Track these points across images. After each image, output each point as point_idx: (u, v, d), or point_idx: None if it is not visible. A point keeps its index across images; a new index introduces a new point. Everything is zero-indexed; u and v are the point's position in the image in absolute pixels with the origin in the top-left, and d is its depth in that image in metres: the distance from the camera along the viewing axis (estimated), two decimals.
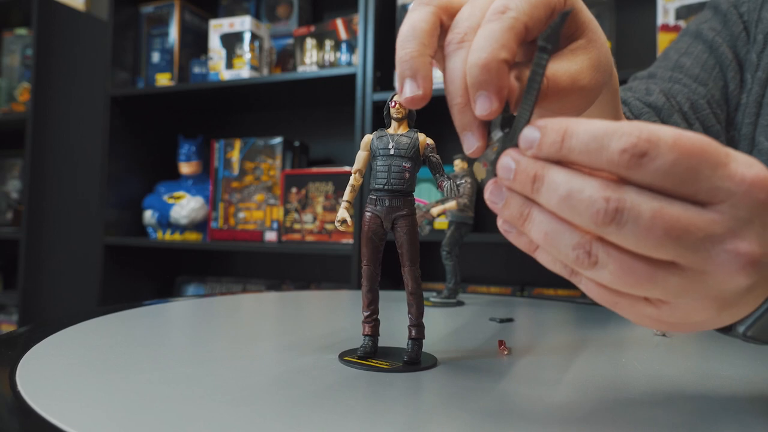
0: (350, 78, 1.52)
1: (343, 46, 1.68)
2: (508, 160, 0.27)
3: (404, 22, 0.31)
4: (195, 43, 1.93)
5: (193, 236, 1.79)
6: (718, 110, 0.63)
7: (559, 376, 0.38)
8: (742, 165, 0.24)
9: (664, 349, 0.48)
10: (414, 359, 0.40)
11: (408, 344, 0.41)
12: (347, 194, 0.44)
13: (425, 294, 0.77)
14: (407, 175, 0.41)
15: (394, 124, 0.43)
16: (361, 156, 0.44)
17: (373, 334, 0.42)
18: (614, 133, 0.23)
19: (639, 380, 0.38)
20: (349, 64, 1.66)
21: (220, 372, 0.37)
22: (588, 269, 0.25)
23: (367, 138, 0.43)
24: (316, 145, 1.85)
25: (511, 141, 0.27)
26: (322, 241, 1.56)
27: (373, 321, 0.42)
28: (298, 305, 0.72)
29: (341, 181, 1.57)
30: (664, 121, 0.61)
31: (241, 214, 1.70)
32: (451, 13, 0.31)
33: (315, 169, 1.63)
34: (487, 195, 0.28)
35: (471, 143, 0.29)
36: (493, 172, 0.28)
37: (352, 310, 0.67)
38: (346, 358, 0.41)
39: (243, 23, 1.73)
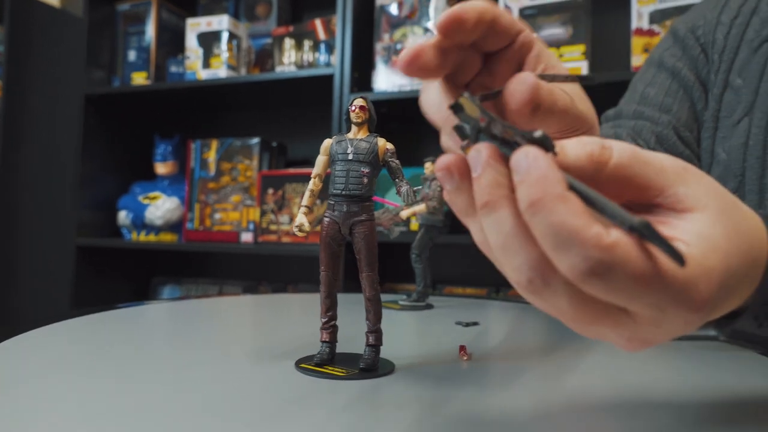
0: (328, 79, 1.51)
1: (322, 47, 1.67)
2: (478, 157, 0.24)
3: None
4: (172, 42, 1.91)
5: (168, 237, 1.77)
6: (687, 132, 0.64)
7: (518, 384, 0.38)
8: (693, 289, 0.23)
9: (625, 353, 0.48)
10: (370, 366, 0.40)
11: (365, 351, 0.41)
12: (306, 199, 0.43)
13: (395, 297, 0.77)
14: (365, 180, 0.41)
15: (354, 128, 0.43)
16: (320, 160, 0.43)
17: (331, 341, 0.42)
18: (578, 241, 0.21)
19: (600, 388, 0.38)
20: (328, 64, 1.65)
21: (179, 379, 0.36)
22: (537, 296, 0.24)
23: (327, 142, 0.43)
24: (293, 146, 1.84)
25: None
26: (298, 243, 1.55)
27: (330, 327, 0.42)
28: (269, 309, 0.71)
29: None
30: None
31: (218, 215, 1.68)
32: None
33: (292, 170, 1.62)
34: (439, 172, 0.25)
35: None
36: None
37: (317, 314, 0.67)
38: (302, 365, 0.40)
39: (221, 22, 1.71)
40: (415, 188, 0.41)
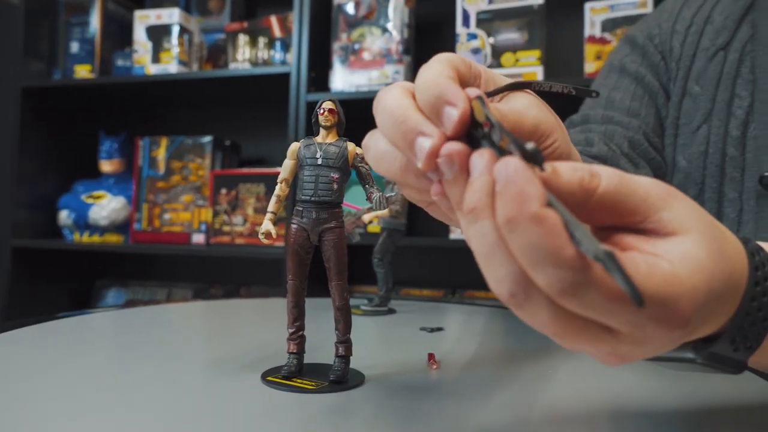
0: (284, 77, 1.48)
1: (278, 44, 1.64)
2: (479, 161, 0.23)
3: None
4: (119, 35, 1.83)
5: (114, 238, 1.70)
6: (656, 138, 0.65)
7: (488, 393, 0.38)
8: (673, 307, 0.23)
9: (590, 359, 0.49)
10: (341, 378, 0.38)
11: (335, 362, 0.40)
12: (272, 205, 0.42)
13: (356, 302, 0.76)
14: (335, 186, 0.40)
15: (322, 132, 0.41)
16: (287, 165, 0.42)
17: (299, 352, 0.40)
18: (555, 258, 0.21)
19: (568, 397, 0.38)
20: (284, 62, 1.62)
21: (132, 399, 0.34)
22: (519, 310, 0.23)
23: (294, 146, 0.41)
24: (247, 145, 1.80)
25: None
26: (252, 244, 1.51)
27: (298, 338, 0.41)
28: (225, 316, 0.68)
29: (273, 182, 1.52)
30: (616, 165, 0.61)
31: (167, 216, 1.62)
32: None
33: (246, 170, 1.58)
34: (443, 157, 0.24)
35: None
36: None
37: (280, 321, 0.65)
38: (269, 378, 0.39)
39: (171, 16, 1.65)
40: (387, 195, 0.40)
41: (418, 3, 1.55)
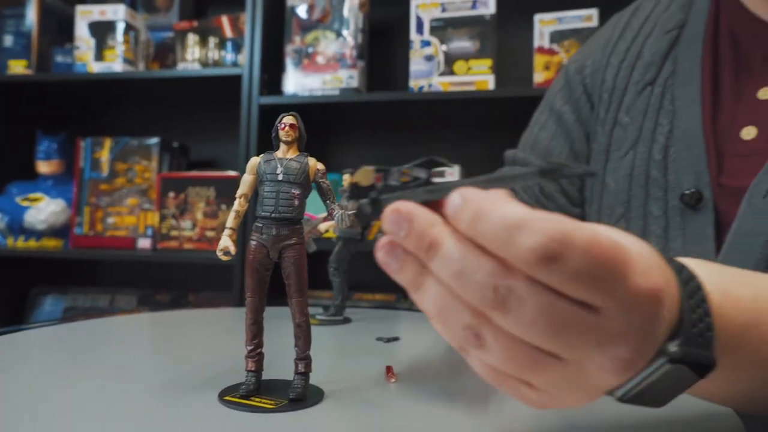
0: (236, 79, 1.46)
1: (229, 45, 1.61)
2: (400, 218, 0.25)
3: None
4: (58, 29, 1.74)
5: (52, 243, 1.62)
6: (564, 179, 0.70)
7: (448, 406, 0.39)
8: (639, 274, 0.24)
9: None
10: (300, 396, 0.38)
11: (294, 379, 0.39)
12: (231, 221, 0.41)
13: (311, 311, 0.75)
14: (296, 202, 0.39)
15: (282, 147, 0.41)
16: (247, 180, 0.41)
17: (257, 370, 0.40)
18: (527, 227, 0.22)
19: (524, 409, 0.39)
20: (235, 64, 1.59)
21: (80, 426, 0.33)
22: (475, 349, 0.25)
23: (254, 161, 0.41)
24: (196, 147, 1.75)
25: (435, 192, 0.25)
26: (202, 249, 1.48)
27: (257, 356, 0.40)
28: (174, 329, 0.66)
29: (224, 186, 1.50)
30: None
31: (111, 219, 1.56)
32: None
33: (195, 173, 1.54)
34: (381, 255, 0.26)
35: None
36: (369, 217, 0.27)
37: (232, 334, 0.64)
38: (227, 398, 0.38)
39: (116, 12, 1.59)
40: (349, 212, 0.40)
41: (371, 8, 1.55)
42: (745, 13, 0.61)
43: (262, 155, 0.41)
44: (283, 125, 0.41)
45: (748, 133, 0.56)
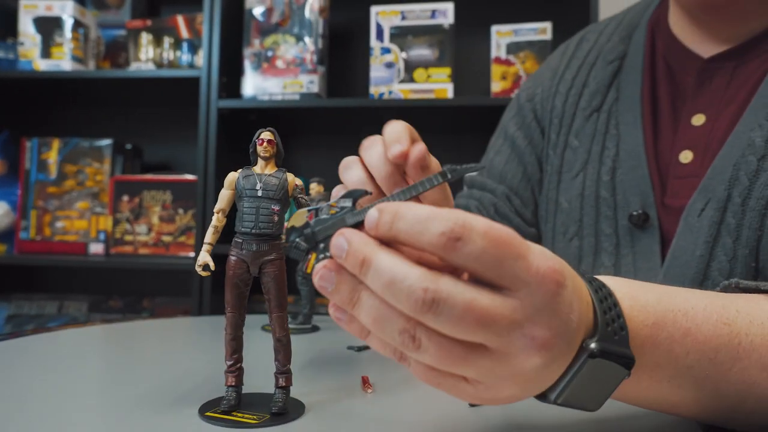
0: (193, 81, 1.43)
1: (185, 45, 1.57)
2: (341, 240, 0.28)
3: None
4: (0, 24, 1.66)
5: None
6: (517, 200, 0.75)
7: (427, 416, 0.40)
8: (538, 257, 0.28)
9: None
10: (282, 410, 0.39)
11: (275, 393, 0.40)
12: (209, 236, 0.41)
13: None
14: (276, 218, 0.40)
15: (261, 162, 0.41)
16: (225, 195, 0.41)
17: (237, 384, 0.40)
18: (435, 217, 0.27)
19: (494, 418, 0.41)
20: (191, 65, 1.56)
21: None
22: (413, 352, 0.28)
23: (232, 176, 0.41)
24: (150, 149, 1.71)
25: (356, 216, 0.30)
26: (158, 254, 1.44)
27: (237, 370, 0.40)
28: (136, 342, 0.65)
29: (181, 189, 1.47)
30: None
31: (60, 224, 1.50)
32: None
33: (151, 176, 1.50)
34: (317, 280, 0.29)
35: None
36: (303, 238, 0.30)
37: (200, 344, 0.63)
38: (208, 413, 0.38)
39: (64, 7, 1.53)
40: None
41: (331, 14, 1.56)
42: (676, 43, 0.65)
43: (240, 170, 0.41)
44: (261, 140, 0.41)
45: (686, 156, 0.60)
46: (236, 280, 0.40)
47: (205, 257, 0.40)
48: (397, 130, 0.41)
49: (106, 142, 1.52)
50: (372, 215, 0.28)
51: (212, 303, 1.34)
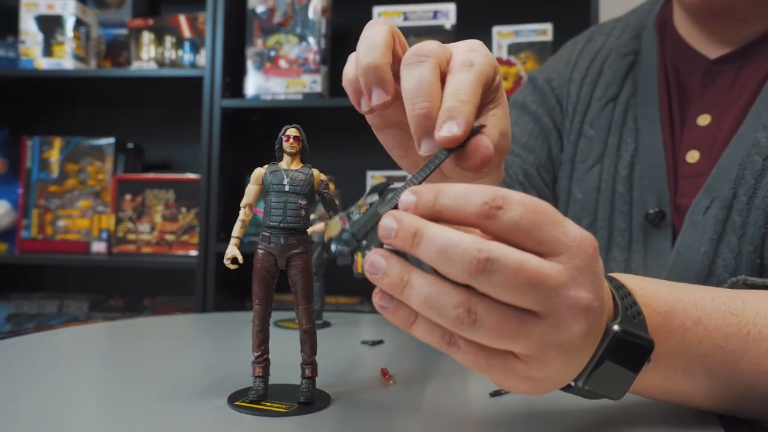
0: (195, 81, 1.44)
1: (187, 45, 1.58)
2: (390, 219, 0.29)
3: (363, 37, 0.35)
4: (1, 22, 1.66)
5: None
6: (545, 174, 0.73)
7: (445, 407, 0.41)
8: (573, 225, 0.29)
9: None
10: (310, 399, 0.40)
11: (302, 383, 0.41)
12: (237, 230, 0.42)
13: (289, 315, 0.76)
14: (303, 212, 0.41)
15: (286, 158, 0.42)
16: (251, 190, 0.42)
17: (264, 375, 0.41)
18: (477, 190, 0.28)
19: (514, 407, 0.42)
20: (193, 64, 1.57)
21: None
22: (468, 327, 0.28)
23: (259, 172, 0.42)
24: (150, 148, 1.71)
25: (388, 204, 0.30)
26: (161, 253, 1.44)
27: (264, 361, 0.41)
28: (144, 338, 0.66)
29: (184, 188, 1.47)
30: (509, 188, 0.69)
31: (62, 223, 1.50)
32: (400, 39, 0.37)
33: (154, 175, 1.50)
34: (367, 267, 0.29)
35: (430, 148, 0.33)
36: (343, 242, 0.31)
37: (215, 340, 0.64)
38: (237, 403, 0.39)
39: (65, 6, 1.53)
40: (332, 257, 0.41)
41: (333, 14, 1.56)
42: (682, 44, 0.66)
43: (266, 166, 0.42)
44: (287, 137, 0.42)
45: (692, 156, 0.61)
46: (264, 273, 0.41)
47: (233, 250, 0.41)
48: (373, 58, 0.34)
49: (108, 141, 1.53)
50: (406, 199, 0.29)
51: (216, 301, 1.34)
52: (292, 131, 0.42)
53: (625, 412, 0.40)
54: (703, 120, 0.62)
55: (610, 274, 0.35)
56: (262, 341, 0.41)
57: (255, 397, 0.39)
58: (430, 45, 0.34)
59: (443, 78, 0.34)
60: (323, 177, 0.43)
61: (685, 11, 0.65)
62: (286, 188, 0.41)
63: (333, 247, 0.30)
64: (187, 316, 0.83)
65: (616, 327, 0.31)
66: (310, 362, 0.41)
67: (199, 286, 1.36)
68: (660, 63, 0.67)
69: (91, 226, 1.49)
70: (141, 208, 1.45)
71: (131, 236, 1.45)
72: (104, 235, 1.48)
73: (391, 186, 0.31)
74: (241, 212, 0.42)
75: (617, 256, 0.65)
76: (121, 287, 1.67)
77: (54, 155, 1.52)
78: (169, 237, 1.45)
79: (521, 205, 0.28)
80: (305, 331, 0.41)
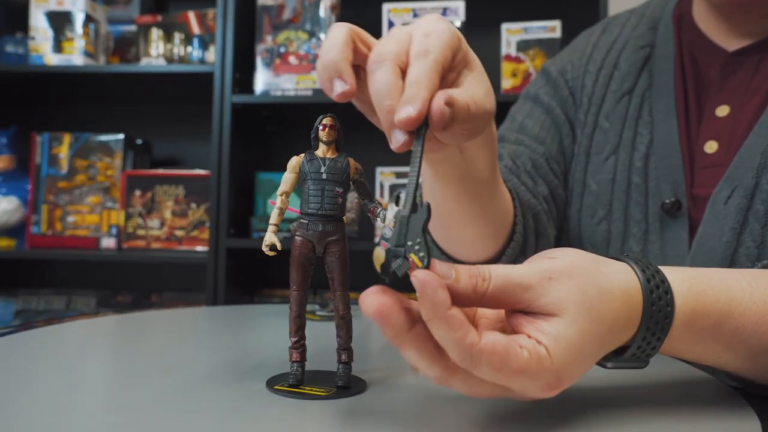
0: (205, 77, 1.44)
1: (196, 41, 1.58)
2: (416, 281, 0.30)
3: (325, 40, 0.37)
4: (7, 17, 1.66)
5: (4, 243, 1.54)
6: (555, 165, 0.73)
7: None
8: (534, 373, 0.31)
9: None
10: (347, 383, 0.40)
11: (338, 368, 0.41)
12: (275, 217, 0.42)
13: (308, 307, 0.77)
14: (340, 200, 0.41)
15: (322, 147, 0.43)
16: (288, 178, 0.42)
17: (302, 360, 0.41)
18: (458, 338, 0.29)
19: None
20: (202, 60, 1.57)
21: (142, 418, 0.33)
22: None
23: (296, 160, 0.42)
24: (158, 145, 1.72)
25: (406, 204, 0.32)
26: (171, 249, 1.45)
27: (301, 347, 0.42)
28: (163, 329, 0.66)
29: (193, 184, 1.48)
30: (517, 177, 0.70)
31: (71, 218, 1.50)
32: (361, 38, 0.38)
33: (163, 171, 1.51)
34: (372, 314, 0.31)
35: (398, 138, 0.34)
36: (393, 256, 0.32)
37: (233, 330, 0.65)
38: (277, 387, 0.40)
39: (75, 2, 1.54)
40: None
41: (343, 10, 1.57)
42: (701, 36, 0.67)
43: (303, 154, 0.42)
44: (323, 126, 0.42)
45: (711, 147, 0.62)
46: (302, 260, 0.41)
47: (272, 237, 0.41)
48: (332, 55, 0.36)
49: (117, 137, 1.53)
50: (445, 272, 0.31)
51: (226, 296, 1.35)
52: (327, 120, 0.43)
53: (646, 386, 0.40)
54: (722, 111, 0.62)
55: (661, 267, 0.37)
56: (299, 327, 0.42)
57: (294, 381, 0.40)
58: (388, 46, 0.36)
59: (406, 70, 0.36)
60: (358, 166, 0.43)
61: (708, 3, 0.65)
62: (324, 176, 0.41)
63: (389, 268, 0.31)
64: (201, 309, 0.84)
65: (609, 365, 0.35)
66: (346, 348, 0.42)
67: (209, 281, 1.36)
68: (677, 55, 0.68)
69: (101, 221, 1.49)
70: (151, 204, 1.46)
71: (141, 232, 1.46)
72: (114, 230, 1.48)
73: (398, 192, 0.33)
74: (278, 200, 0.43)
75: (634, 246, 0.66)
76: (130, 284, 1.67)
77: (63, 151, 1.52)
78: (179, 233, 1.45)
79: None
80: (342, 317, 0.42)
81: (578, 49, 0.78)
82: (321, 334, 0.45)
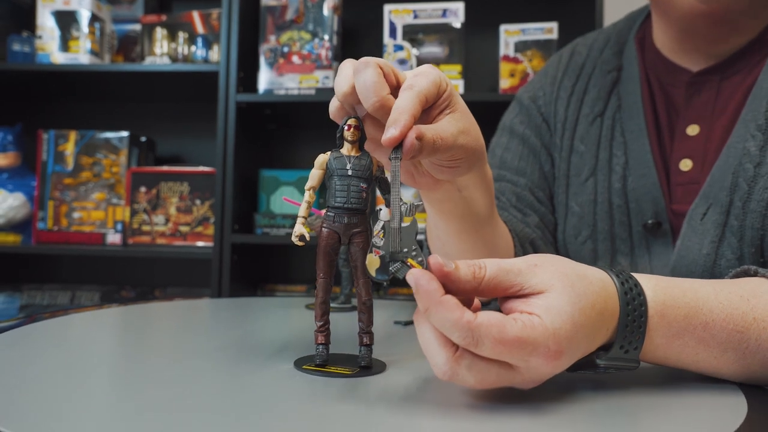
0: (209, 76, 1.47)
1: (199, 41, 1.61)
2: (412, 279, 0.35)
3: (356, 81, 0.42)
4: (13, 16, 1.68)
5: (10, 238, 1.56)
6: (540, 192, 0.76)
7: None
8: (542, 345, 0.34)
9: None
10: (370, 364, 0.44)
11: (360, 350, 0.45)
12: (303, 210, 0.45)
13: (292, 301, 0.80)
14: (364, 194, 0.45)
15: (347, 145, 0.46)
16: (315, 174, 0.46)
17: (326, 342, 0.45)
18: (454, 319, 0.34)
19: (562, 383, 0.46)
20: (206, 60, 1.60)
21: (180, 395, 0.37)
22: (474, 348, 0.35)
23: (323, 158, 0.46)
24: (162, 142, 1.74)
25: (393, 222, 0.39)
26: (174, 245, 1.47)
27: (326, 330, 0.45)
28: (179, 318, 0.69)
29: (197, 181, 1.50)
30: (507, 211, 0.74)
31: (77, 214, 1.53)
32: (389, 69, 0.44)
33: (168, 168, 1.53)
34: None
35: (387, 134, 0.40)
36: (392, 261, 0.38)
37: (248, 320, 0.68)
38: (305, 366, 0.43)
39: (81, 1, 1.56)
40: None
41: (344, 11, 1.60)
42: (662, 58, 0.69)
43: (330, 152, 0.46)
44: (349, 126, 0.46)
45: (686, 164, 0.64)
46: (329, 249, 0.44)
47: (301, 228, 0.45)
48: (370, 94, 0.41)
49: (122, 134, 1.55)
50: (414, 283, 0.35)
51: (231, 291, 1.38)
52: (352, 121, 0.46)
53: (647, 376, 0.44)
54: (692, 130, 0.64)
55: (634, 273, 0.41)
56: (324, 311, 0.45)
57: (320, 362, 0.43)
58: (371, 57, 0.42)
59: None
60: (380, 164, 0.47)
61: (670, 23, 0.65)
62: (349, 173, 0.45)
63: (392, 268, 0.38)
64: (211, 300, 0.87)
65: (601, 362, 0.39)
66: (367, 331, 0.45)
67: (214, 276, 1.39)
68: (642, 76, 0.69)
69: (106, 218, 1.52)
70: (156, 200, 1.48)
71: (146, 227, 1.48)
72: (119, 226, 1.51)
73: (378, 209, 0.40)
74: (306, 194, 0.46)
75: (622, 261, 0.68)
76: (134, 279, 1.70)
77: (69, 148, 1.54)
78: (184, 228, 1.48)
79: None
80: (364, 303, 0.45)
81: (549, 75, 0.79)
82: (334, 324, 0.49)
